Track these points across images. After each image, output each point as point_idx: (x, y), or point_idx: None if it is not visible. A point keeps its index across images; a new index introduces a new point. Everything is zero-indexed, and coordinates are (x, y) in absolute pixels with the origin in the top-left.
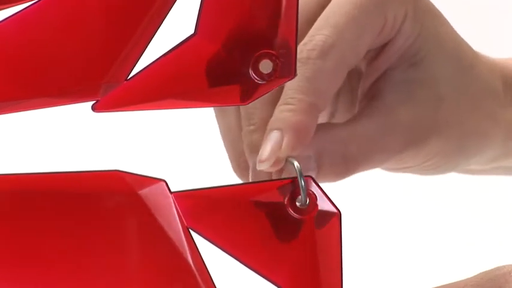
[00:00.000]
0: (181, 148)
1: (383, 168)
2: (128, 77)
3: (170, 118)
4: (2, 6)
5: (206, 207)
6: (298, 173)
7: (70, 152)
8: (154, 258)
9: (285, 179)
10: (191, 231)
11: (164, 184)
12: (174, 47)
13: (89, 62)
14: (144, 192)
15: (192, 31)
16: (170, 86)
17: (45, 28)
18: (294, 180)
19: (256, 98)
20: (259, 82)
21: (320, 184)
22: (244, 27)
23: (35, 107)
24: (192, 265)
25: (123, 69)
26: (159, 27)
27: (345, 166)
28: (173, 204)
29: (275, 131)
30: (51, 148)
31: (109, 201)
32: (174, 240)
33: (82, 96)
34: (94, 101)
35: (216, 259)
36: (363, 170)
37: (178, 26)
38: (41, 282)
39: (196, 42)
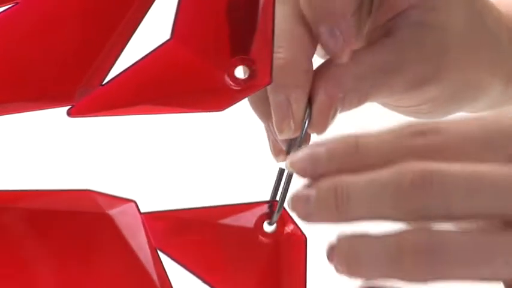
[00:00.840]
0: (152, 167)
1: (379, 103)
2: (103, 82)
3: (144, 136)
4: None
5: (175, 229)
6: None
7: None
8: (122, 278)
9: (254, 203)
10: (160, 252)
11: (134, 205)
12: (150, 52)
13: (64, 66)
14: (113, 212)
15: (167, 36)
16: (145, 91)
17: (20, 32)
18: (263, 204)
19: (232, 104)
20: (235, 88)
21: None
22: (220, 33)
23: (9, 112)
24: (159, 286)
25: (98, 74)
26: (134, 32)
27: (357, 100)
28: (142, 225)
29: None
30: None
31: (79, 220)
32: (142, 260)
33: (57, 101)
34: (69, 106)
35: (183, 281)
36: (368, 101)
37: (153, 30)
38: None
39: (171, 47)
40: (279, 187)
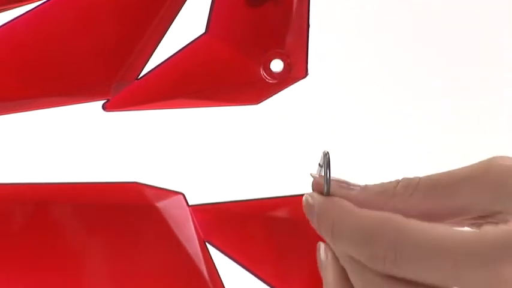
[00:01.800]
0: (200, 161)
1: None
2: (139, 76)
3: (189, 130)
4: (13, 5)
5: (222, 221)
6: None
7: (86, 158)
8: (171, 270)
9: (298, 195)
10: (208, 245)
11: (182, 197)
12: (185, 46)
13: (100, 61)
14: (162, 204)
15: (202, 30)
16: (180, 85)
17: (56, 27)
18: None
19: (268, 98)
20: (271, 81)
21: None
22: (255, 26)
23: (46, 106)
24: (207, 277)
25: (133, 69)
26: (169, 26)
27: None
28: (190, 217)
29: None
30: (64, 149)
31: (127, 213)
32: (190, 252)
33: (93, 95)
34: (105, 100)
35: (231, 273)
36: None
37: (189, 24)
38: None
39: (207, 41)
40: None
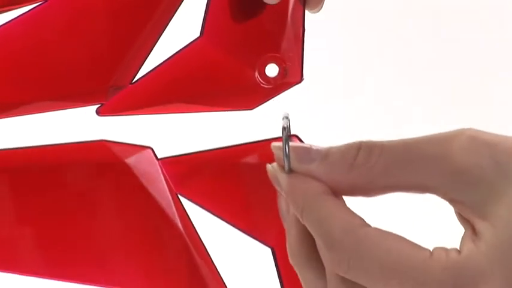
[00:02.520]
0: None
1: None
2: (133, 81)
3: (184, 135)
4: (7, 8)
5: (193, 172)
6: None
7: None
8: (145, 225)
9: (270, 139)
10: (180, 197)
11: (150, 151)
12: (179, 50)
13: (93, 65)
14: (130, 160)
15: (197, 34)
16: (175, 89)
17: (50, 30)
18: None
19: (263, 103)
20: (266, 86)
21: None
22: (251, 31)
23: (40, 111)
24: (182, 230)
25: (127, 73)
26: (164, 30)
27: None
28: (160, 171)
29: None
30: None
31: (97, 171)
32: (163, 206)
33: (87, 100)
34: (98, 105)
35: (205, 223)
36: None
37: (183, 28)
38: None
39: (201, 45)
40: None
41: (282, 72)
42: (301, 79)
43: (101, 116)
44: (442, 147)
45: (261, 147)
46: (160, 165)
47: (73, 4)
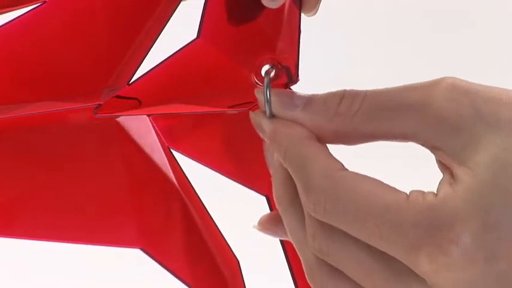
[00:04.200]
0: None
1: None
2: (130, 81)
3: None
4: (6, 9)
5: (184, 125)
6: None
7: None
8: (140, 181)
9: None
10: (172, 151)
11: None
12: (177, 51)
13: (92, 66)
14: (122, 118)
15: (194, 35)
16: (172, 90)
17: (49, 32)
18: None
19: (258, 103)
20: (262, 87)
21: None
22: (247, 32)
23: (37, 110)
24: (177, 184)
25: (125, 73)
26: (161, 31)
27: None
28: (151, 126)
29: None
30: None
31: (86, 129)
32: (156, 161)
33: (85, 100)
34: (96, 105)
35: (199, 176)
36: None
37: (181, 29)
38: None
39: (199, 46)
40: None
41: (278, 73)
42: (296, 80)
43: (99, 116)
44: (422, 95)
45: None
46: (150, 120)
47: (72, 5)
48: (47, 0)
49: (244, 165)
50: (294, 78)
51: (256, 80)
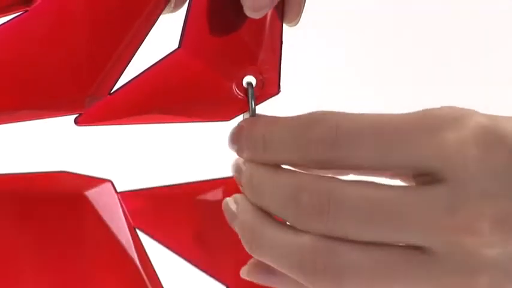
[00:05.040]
0: (128, 146)
1: None
2: (111, 91)
3: (161, 144)
4: None
5: (152, 207)
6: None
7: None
8: (102, 259)
9: (228, 178)
10: (138, 231)
11: (110, 184)
12: (158, 61)
13: (72, 74)
14: (90, 192)
15: (175, 45)
16: (153, 100)
17: (30, 40)
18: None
19: (239, 114)
20: (243, 98)
21: None
22: (228, 42)
23: (18, 119)
24: (139, 265)
25: (106, 83)
26: (143, 41)
27: None
28: (119, 204)
29: None
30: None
31: (56, 202)
32: (121, 240)
33: (65, 110)
34: (77, 114)
35: (163, 259)
36: None
37: (162, 40)
38: None
39: (180, 56)
40: None
41: (259, 84)
42: (278, 91)
43: (80, 125)
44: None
45: (222, 184)
46: (119, 199)
47: (54, 14)
48: (29, 9)
49: (208, 252)
50: (275, 89)
51: (237, 91)
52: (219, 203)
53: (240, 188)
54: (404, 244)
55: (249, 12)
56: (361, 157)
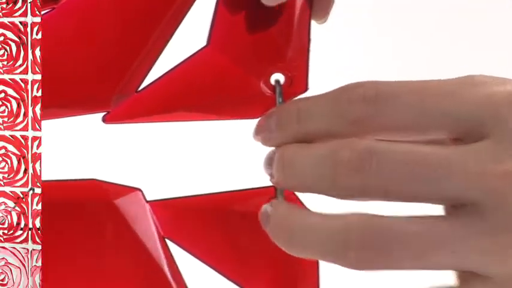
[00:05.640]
0: (160, 155)
1: None
2: (139, 89)
3: (188, 143)
4: None
5: (182, 217)
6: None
7: (86, 169)
8: (131, 267)
9: (262, 188)
10: (168, 241)
11: (140, 193)
12: (185, 58)
13: (100, 73)
14: (119, 201)
15: (203, 43)
16: (181, 97)
17: (57, 38)
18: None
19: (267, 111)
20: (271, 95)
21: None
22: (257, 40)
23: (46, 117)
24: (169, 275)
25: (133, 81)
26: (170, 39)
27: None
28: (149, 213)
29: None
30: None
31: (85, 210)
32: (150, 249)
33: (94, 108)
34: (104, 112)
35: (192, 269)
36: None
37: (190, 37)
38: None
39: (207, 54)
40: None
41: (288, 82)
42: (306, 88)
43: (107, 123)
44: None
45: (253, 194)
46: (149, 208)
47: (80, 12)
48: (56, 7)
49: (240, 264)
50: (303, 86)
51: (265, 87)
52: (251, 214)
53: (271, 181)
54: (450, 203)
55: (264, 0)
56: (401, 113)
